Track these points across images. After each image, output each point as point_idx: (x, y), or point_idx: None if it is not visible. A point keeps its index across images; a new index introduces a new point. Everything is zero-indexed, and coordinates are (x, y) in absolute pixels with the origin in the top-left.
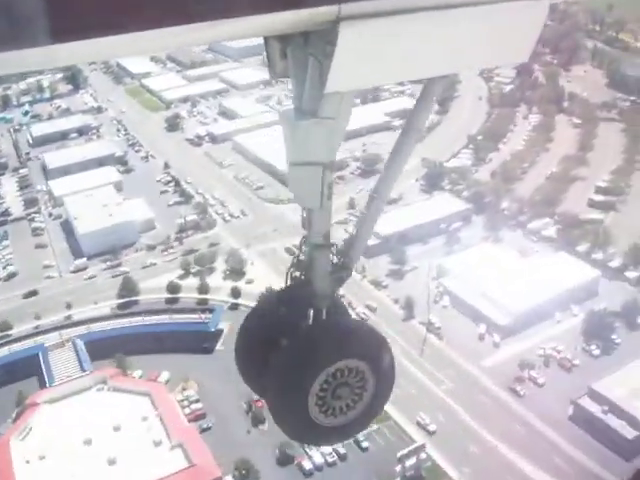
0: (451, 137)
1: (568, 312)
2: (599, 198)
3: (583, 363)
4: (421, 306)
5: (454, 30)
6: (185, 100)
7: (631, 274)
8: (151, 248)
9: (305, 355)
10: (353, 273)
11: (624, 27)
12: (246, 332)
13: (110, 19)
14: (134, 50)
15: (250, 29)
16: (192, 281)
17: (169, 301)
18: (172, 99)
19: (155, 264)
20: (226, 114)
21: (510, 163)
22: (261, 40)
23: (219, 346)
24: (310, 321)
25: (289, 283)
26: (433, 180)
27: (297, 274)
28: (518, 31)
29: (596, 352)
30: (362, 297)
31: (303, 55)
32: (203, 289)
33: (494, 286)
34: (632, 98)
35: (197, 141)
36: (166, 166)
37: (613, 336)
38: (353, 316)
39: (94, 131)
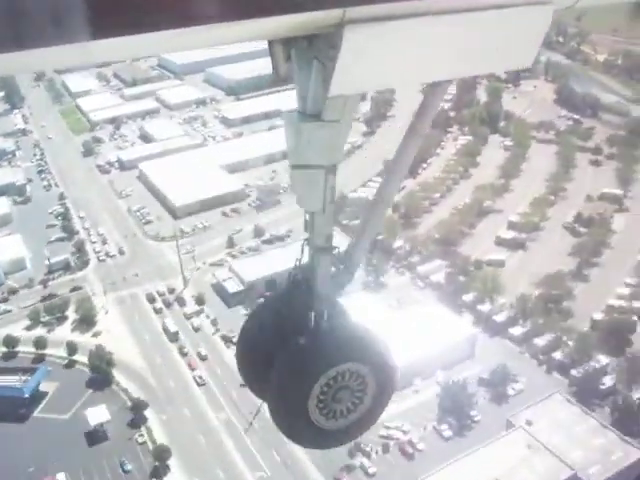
0: (369, 162)
1: (432, 379)
2: (508, 235)
3: (429, 448)
4: None
5: (458, 35)
6: (112, 121)
7: (516, 330)
8: (12, 292)
9: (306, 358)
10: (204, 325)
11: (586, 39)
12: (247, 334)
13: (114, 21)
14: (133, 53)
15: (254, 32)
16: (40, 332)
17: (5, 356)
18: (99, 120)
19: (10, 311)
20: (146, 137)
21: (420, 193)
22: (204, 57)
23: (37, 412)
24: (311, 324)
25: (291, 286)
26: None
27: (299, 277)
28: (522, 37)
29: (447, 433)
30: (208, 357)
31: (307, 58)
32: (40, 343)
33: None
34: (576, 116)
35: (107, 168)
36: (61, 197)
37: (473, 412)
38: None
39: (9, 156)
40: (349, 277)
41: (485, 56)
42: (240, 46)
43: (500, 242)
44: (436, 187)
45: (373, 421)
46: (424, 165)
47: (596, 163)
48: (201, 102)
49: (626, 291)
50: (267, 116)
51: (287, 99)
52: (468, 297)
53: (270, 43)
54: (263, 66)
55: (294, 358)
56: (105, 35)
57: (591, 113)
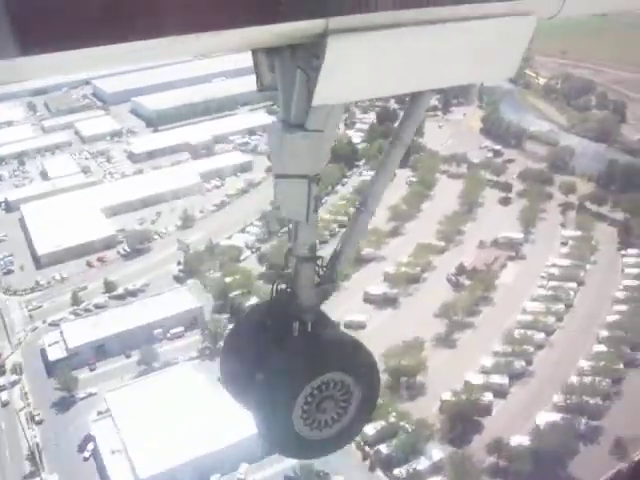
0: (258, 203)
1: (234, 474)
2: (379, 290)
3: None
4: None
5: (441, 45)
6: (18, 156)
7: None
8: None
9: (290, 368)
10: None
11: (530, 62)
12: (232, 344)
13: (95, 29)
14: (115, 62)
15: (237, 42)
16: None
17: None
18: (5, 155)
19: None
20: (45, 174)
21: None
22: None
23: None
24: (295, 334)
25: (274, 295)
26: (190, 265)
27: (283, 287)
28: (504, 47)
29: None
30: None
31: (291, 68)
32: None
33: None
34: (497, 147)
35: None
36: None
37: None
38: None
39: None
40: (333, 286)
41: (468, 66)
42: (171, 73)
43: (368, 299)
44: (318, 232)
45: (357, 432)
46: None
47: (505, 201)
48: (117, 134)
49: (489, 362)
50: (174, 150)
51: (207, 130)
52: None
53: (254, 53)
54: (188, 95)
55: (278, 368)
56: (85, 44)
57: (515, 143)
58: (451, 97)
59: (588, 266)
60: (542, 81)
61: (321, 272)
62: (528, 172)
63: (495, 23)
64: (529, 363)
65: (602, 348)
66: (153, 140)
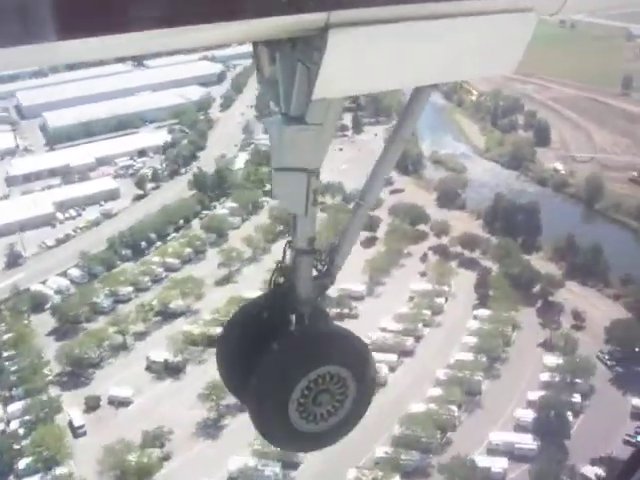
0: (100, 240)
1: None
2: (161, 357)
3: None
4: None
5: (442, 40)
6: None
7: None
8: None
9: (286, 361)
10: None
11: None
12: (228, 337)
13: (93, 19)
14: (115, 52)
15: (238, 34)
16: None
17: None
18: None
19: None
20: None
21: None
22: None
23: None
24: (292, 327)
25: (272, 288)
26: None
27: (280, 280)
28: (505, 43)
29: None
30: None
31: (291, 61)
32: None
33: None
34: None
35: None
36: None
37: None
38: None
39: None
40: (331, 280)
41: (469, 61)
42: (91, 86)
43: (151, 366)
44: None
45: (353, 425)
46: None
47: (368, 242)
48: (10, 153)
49: None
50: (53, 173)
51: (96, 150)
52: None
53: (254, 45)
54: (95, 110)
55: (275, 361)
56: (84, 34)
57: (413, 169)
58: (368, 115)
59: (427, 331)
60: (474, 98)
61: (319, 266)
62: (399, 207)
63: (496, 19)
64: None
65: None
66: (33, 162)
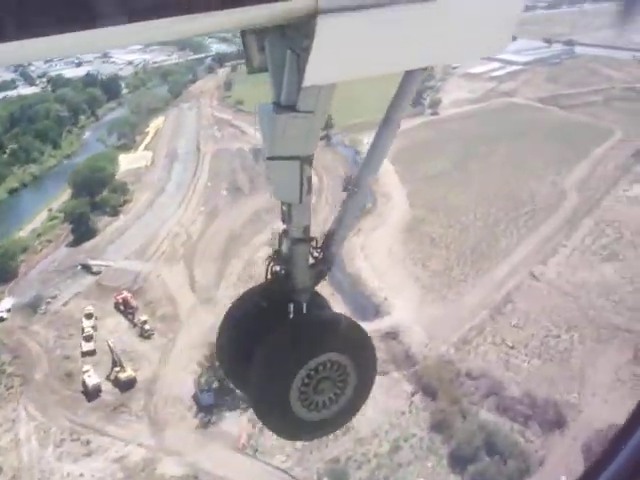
0: None
1: None
2: None
3: None
4: None
5: (432, 23)
6: None
7: None
8: None
9: (286, 349)
10: None
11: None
12: (227, 327)
13: (84, 12)
14: (100, 45)
15: (226, 23)
16: None
17: None
18: None
19: None
20: None
21: None
22: None
23: None
24: (291, 315)
25: (269, 277)
26: None
27: (277, 268)
28: (494, 23)
29: None
30: None
31: (281, 49)
32: None
33: None
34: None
35: None
36: None
37: None
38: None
39: None
40: (327, 268)
41: (459, 43)
42: None
43: None
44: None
45: (354, 412)
46: None
47: None
48: None
49: None
50: None
51: None
52: None
53: (243, 34)
54: None
55: (275, 350)
56: (75, 28)
57: None
58: None
59: None
60: None
61: (315, 254)
62: None
63: (484, 0)
64: None
65: None
66: None
